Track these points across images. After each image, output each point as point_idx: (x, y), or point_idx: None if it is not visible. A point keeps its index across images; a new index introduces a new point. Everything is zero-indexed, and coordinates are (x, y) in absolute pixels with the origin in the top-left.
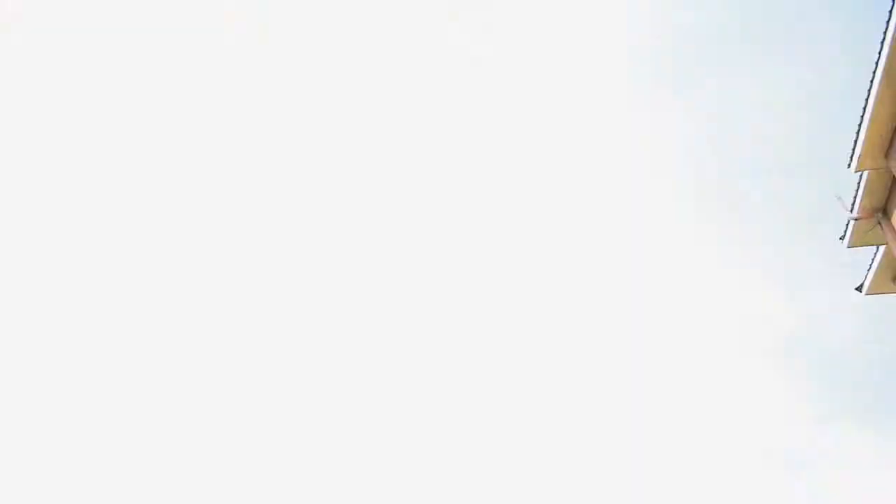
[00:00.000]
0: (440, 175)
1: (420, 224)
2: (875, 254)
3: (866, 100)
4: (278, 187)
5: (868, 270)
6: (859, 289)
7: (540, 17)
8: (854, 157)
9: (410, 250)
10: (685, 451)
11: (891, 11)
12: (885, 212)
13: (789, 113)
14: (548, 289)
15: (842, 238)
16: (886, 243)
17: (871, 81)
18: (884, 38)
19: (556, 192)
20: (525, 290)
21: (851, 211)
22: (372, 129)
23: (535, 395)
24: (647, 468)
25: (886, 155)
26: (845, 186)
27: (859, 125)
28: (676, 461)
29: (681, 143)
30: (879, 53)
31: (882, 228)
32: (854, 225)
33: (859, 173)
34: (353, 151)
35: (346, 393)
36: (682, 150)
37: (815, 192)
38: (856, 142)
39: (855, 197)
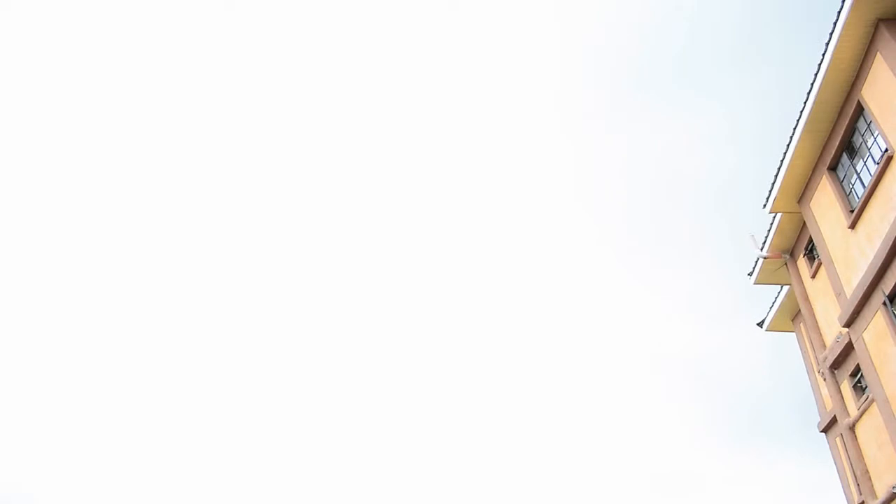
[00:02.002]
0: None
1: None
2: (779, 293)
3: (787, 146)
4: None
5: (770, 308)
6: (760, 324)
7: (479, 48)
8: (770, 199)
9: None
10: (581, 475)
11: (819, 66)
12: (793, 254)
13: (719, 150)
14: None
15: (750, 274)
16: (790, 284)
17: (794, 130)
18: (810, 91)
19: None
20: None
21: (761, 249)
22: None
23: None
24: (544, 491)
25: (800, 200)
26: (761, 225)
27: (778, 169)
28: (570, 485)
29: (615, 176)
30: (805, 104)
31: (788, 269)
32: (763, 263)
33: (773, 214)
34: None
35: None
36: (615, 184)
37: (733, 228)
38: (773, 185)
39: (766, 236)
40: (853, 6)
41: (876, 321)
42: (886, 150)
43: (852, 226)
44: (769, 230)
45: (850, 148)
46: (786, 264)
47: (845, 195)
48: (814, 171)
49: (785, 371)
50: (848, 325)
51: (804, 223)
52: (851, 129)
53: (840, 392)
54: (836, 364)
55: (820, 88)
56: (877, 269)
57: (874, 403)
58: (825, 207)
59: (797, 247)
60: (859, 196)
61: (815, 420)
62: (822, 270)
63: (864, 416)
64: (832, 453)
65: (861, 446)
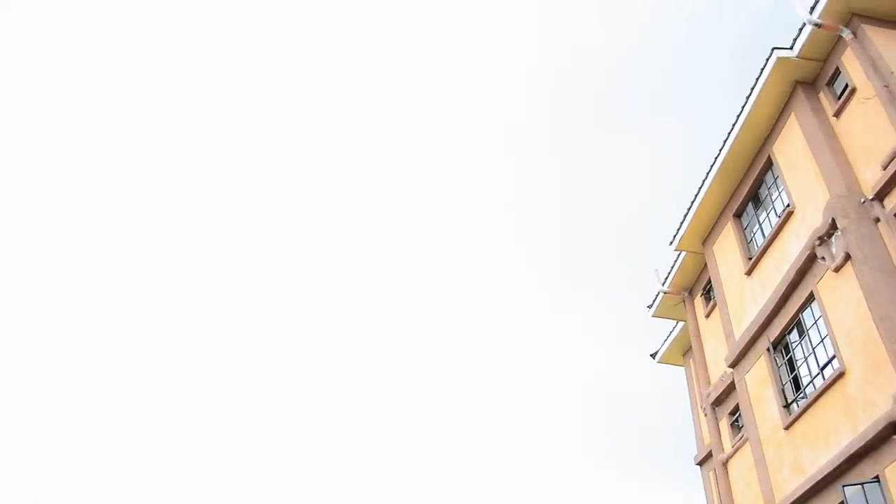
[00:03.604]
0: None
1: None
2: (674, 327)
3: (699, 189)
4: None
5: (664, 341)
6: (653, 356)
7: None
8: (677, 237)
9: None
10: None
11: (737, 118)
12: (692, 292)
13: (646, 186)
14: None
15: (649, 307)
16: (685, 320)
17: (707, 175)
18: (726, 140)
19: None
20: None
21: (663, 284)
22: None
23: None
24: None
25: (704, 242)
26: (668, 261)
27: (688, 210)
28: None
29: (550, 204)
30: (720, 152)
31: (685, 306)
32: (663, 297)
33: (678, 252)
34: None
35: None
36: (549, 210)
37: (647, 261)
38: (681, 224)
39: (669, 273)
40: (775, 66)
41: (759, 365)
42: (788, 206)
43: (749, 272)
44: (672, 267)
45: (756, 198)
46: (684, 301)
47: (746, 242)
48: (720, 216)
49: (675, 403)
50: (733, 365)
51: (706, 264)
52: (759, 181)
53: (718, 429)
54: (718, 401)
55: (735, 139)
56: (765, 316)
57: (747, 443)
58: (726, 252)
59: (696, 286)
60: (759, 245)
61: (694, 452)
62: (716, 311)
63: (737, 454)
64: (705, 486)
65: (731, 482)
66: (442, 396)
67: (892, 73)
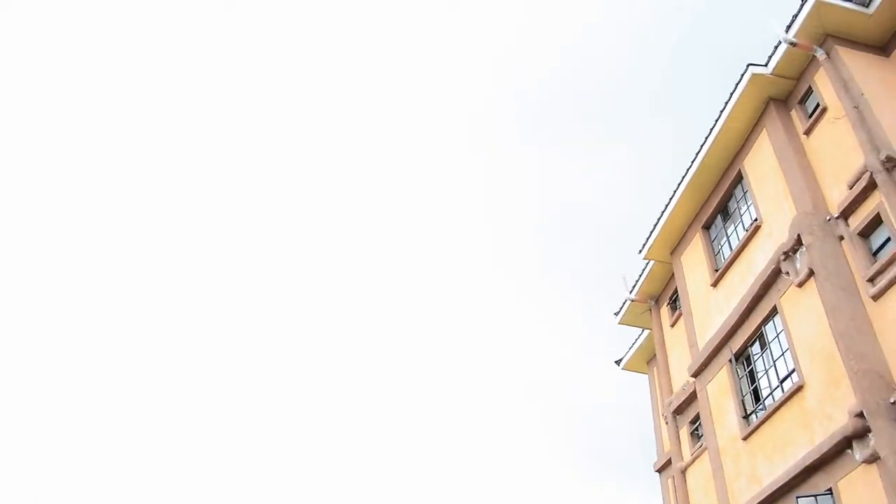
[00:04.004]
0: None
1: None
2: (640, 335)
3: (670, 200)
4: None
5: (630, 348)
6: (618, 363)
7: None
8: (646, 247)
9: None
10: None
11: (710, 131)
12: (658, 301)
13: (622, 192)
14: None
15: (616, 314)
16: (651, 329)
17: (679, 186)
18: (699, 152)
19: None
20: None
21: (630, 292)
22: None
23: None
24: None
25: (673, 252)
26: (637, 269)
27: (658, 219)
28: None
29: (524, 202)
30: (692, 164)
31: (651, 315)
32: (630, 305)
33: (647, 261)
34: None
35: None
36: (523, 208)
37: (618, 268)
38: (651, 233)
39: (637, 281)
40: (750, 81)
41: (720, 375)
42: (756, 220)
43: (715, 284)
44: (640, 275)
45: (725, 211)
46: (650, 310)
47: (713, 254)
48: (690, 227)
49: (639, 410)
50: (695, 375)
51: (673, 274)
52: (729, 195)
53: (678, 437)
54: (679, 410)
55: (707, 152)
56: (729, 327)
57: (706, 452)
58: (694, 262)
59: (663, 295)
60: (725, 257)
61: (654, 459)
62: (682, 321)
63: (695, 462)
64: (663, 493)
65: (689, 490)
66: (410, 395)
67: (863, 94)
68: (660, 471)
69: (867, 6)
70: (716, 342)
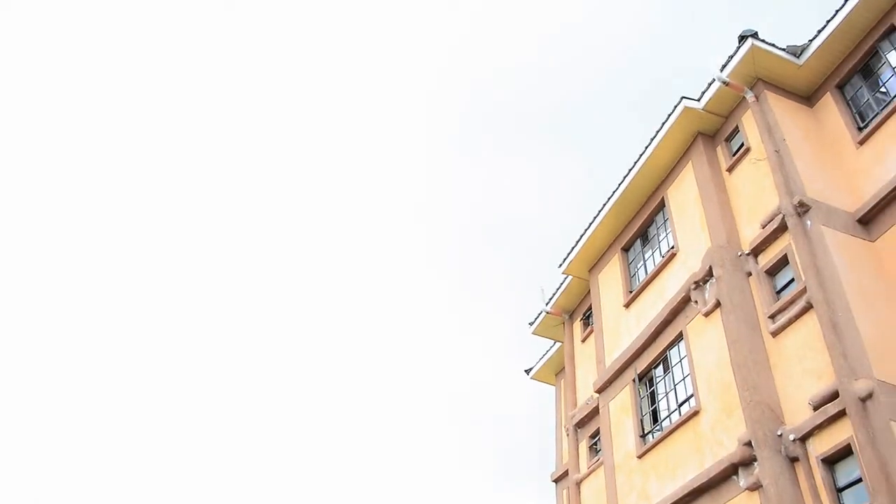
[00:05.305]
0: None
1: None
2: (551, 347)
3: (594, 218)
4: None
5: (540, 359)
6: (528, 371)
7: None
8: (566, 261)
9: None
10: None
11: (640, 156)
12: (572, 315)
13: (549, 203)
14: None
15: (531, 324)
16: (563, 341)
17: (604, 205)
18: (626, 175)
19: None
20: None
21: (547, 304)
22: None
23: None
24: None
25: (591, 269)
26: (556, 282)
27: (581, 236)
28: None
29: (459, 208)
30: (619, 185)
31: (564, 328)
32: (545, 317)
33: (566, 276)
34: None
35: None
36: (456, 215)
37: (539, 279)
38: (572, 249)
39: (555, 293)
40: (682, 114)
41: (623, 394)
42: (673, 247)
43: (627, 305)
44: (558, 289)
45: (645, 236)
46: (563, 323)
47: (629, 276)
48: (610, 247)
49: (545, 420)
50: (600, 391)
51: (589, 291)
52: (650, 220)
53: (577, 449)
54: (581, 423)
55: (634, 177)
56: (636, 348)
57: (602, 467)
58: (610, 282)
59: (577, 310)
60: (640, 280)
61: (553, 469)
62: (592, 337)
63: (591, 476)
64: (557, 503)
65: (582, 502)
66: (321, 397)
67: (784, 140)
68: (556, 481)
69: (798, 57)
70: (622, 361)
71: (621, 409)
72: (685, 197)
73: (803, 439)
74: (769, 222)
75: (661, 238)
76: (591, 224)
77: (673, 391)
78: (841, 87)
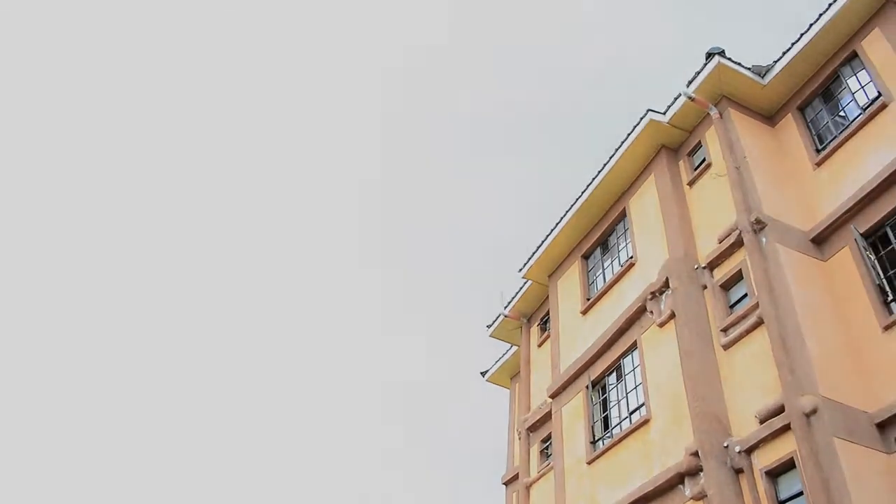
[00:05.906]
0: None
1: None
2: (507, 350)
3: (556, 225)
4: None
5: (496, 362)
6: (483, 374)
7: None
8: (526, 266)
9: None
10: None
11: (604, 166)
12: (530, 320)
13: (512, 206)
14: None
15: (489, 326)
16: (519, 345)
17: (566, 213)
18: (590, 184)
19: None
20: None
21: (505, 308)
22: None
23: None
24: None
25: (551, 275)
26: (515, 286)
27: (542, 242)
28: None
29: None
30: (582, 194)
31: (521, 332)
32: (502, 320)
33: (525, 280)
34: None
35: None
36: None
37: (499, 283)
38: (533, 254)
39: (513, 297)
40: (647, 126)
41: (576, 400)
42: (631, 257)
43: (584, 312)
44: (517, 293)
45: (605, 244)
46: (521, 327)
47: (588, 283)
48: (570, 254)
49: (497, 422)
50: (553, 396)
51: (548, 296)
52: (611, 230)
53: (528, 453)
54: (534, 427)
55: (597, 186)
56: (591, 355)
57: (552, 471)
58: (569, 289)
59: (535, 315)
60: (598, 288)
61: (503, 472)
62: (549, 342)
63: (540, 480)
64: None
65: None
66: (274, 393)
67: (745, 157)
68: (507, 483)
69: (763, 77)
70: (576, 367)
71: (573, 415)
72: (646, 208)
73: (749, 451)
74: (726, 237)
75: (620, 247)
76: (552, 230)
77: (625, 399)
78: (802, 109)
